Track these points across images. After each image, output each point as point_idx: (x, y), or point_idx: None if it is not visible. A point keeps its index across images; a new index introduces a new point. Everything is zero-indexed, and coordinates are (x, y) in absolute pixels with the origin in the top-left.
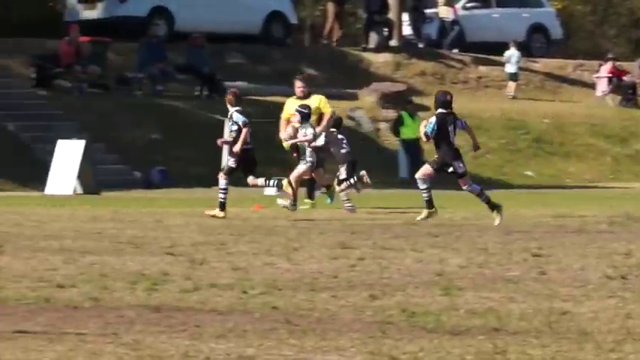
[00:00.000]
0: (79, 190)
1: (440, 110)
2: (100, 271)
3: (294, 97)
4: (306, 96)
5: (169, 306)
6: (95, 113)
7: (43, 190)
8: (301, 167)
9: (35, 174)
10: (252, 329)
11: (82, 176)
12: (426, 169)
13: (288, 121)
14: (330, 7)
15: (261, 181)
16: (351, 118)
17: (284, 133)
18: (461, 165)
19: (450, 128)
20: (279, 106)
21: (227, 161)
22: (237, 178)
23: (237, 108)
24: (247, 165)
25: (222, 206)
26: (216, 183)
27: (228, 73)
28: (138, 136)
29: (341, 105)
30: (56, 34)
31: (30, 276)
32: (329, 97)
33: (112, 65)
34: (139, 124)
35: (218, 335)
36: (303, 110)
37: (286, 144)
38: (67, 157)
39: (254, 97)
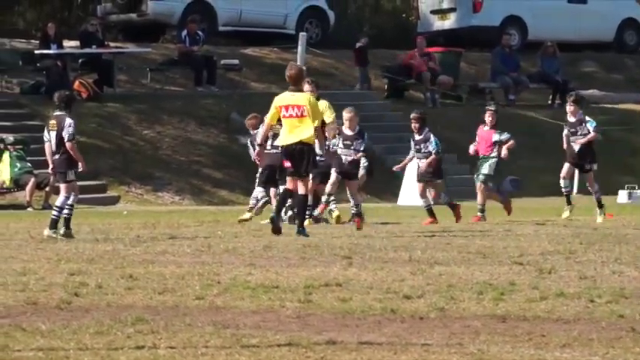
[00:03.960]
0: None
1: None
2: (448, 281)
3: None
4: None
5: (515, 315)
6: (448, 124)
7: (396, 201)
8: None
9: (388, 185)
10: (597, 338)
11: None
12: None
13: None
14: None
15: None
16: None
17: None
18: None
19: None
20: (632, 114)
21: None
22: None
23: None
24: None
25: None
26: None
27: (582, 82)
28: None
29: None
30: (408, 45)
31: (377, 287)
32: None
33: (465, 75)
34: None
35: (563, 344)
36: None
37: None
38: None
39: (607, 105)
